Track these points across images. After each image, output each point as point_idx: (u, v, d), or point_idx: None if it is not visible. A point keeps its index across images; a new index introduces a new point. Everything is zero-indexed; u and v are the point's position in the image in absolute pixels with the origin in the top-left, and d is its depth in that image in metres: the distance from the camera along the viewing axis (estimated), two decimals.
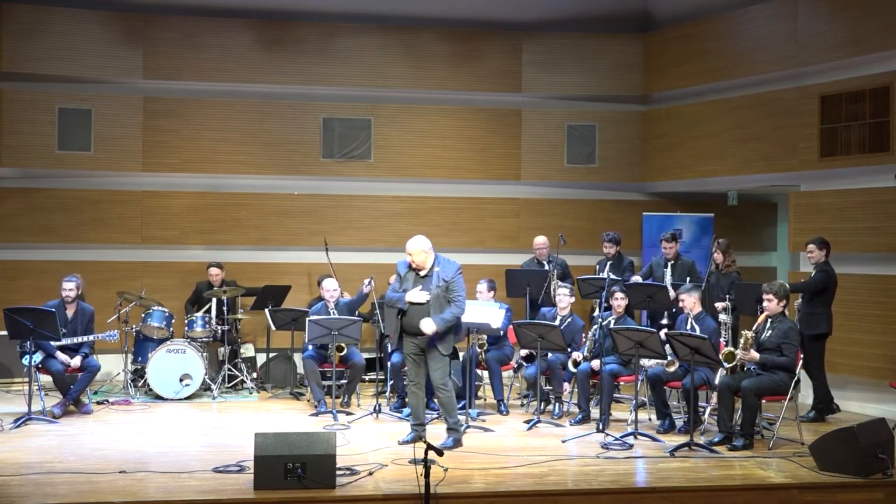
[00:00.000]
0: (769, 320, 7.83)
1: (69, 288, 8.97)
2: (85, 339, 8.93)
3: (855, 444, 6.66)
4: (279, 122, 11.81)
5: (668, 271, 9.93)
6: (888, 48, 9.70)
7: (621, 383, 8.97)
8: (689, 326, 8.28)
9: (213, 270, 10.62)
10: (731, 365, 7.78)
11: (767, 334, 7.77)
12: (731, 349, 7.88)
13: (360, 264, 11.00)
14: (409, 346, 7.47)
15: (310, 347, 9.26)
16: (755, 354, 7.68)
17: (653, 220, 11.86)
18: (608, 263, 10.36)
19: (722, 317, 8.83)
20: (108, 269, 11.25)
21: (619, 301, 8.83)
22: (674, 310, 9.24)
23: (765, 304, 7.85)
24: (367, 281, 9.55)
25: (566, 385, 9.01)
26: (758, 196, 12.09)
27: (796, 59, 10.54)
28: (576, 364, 8.64)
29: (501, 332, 9.21)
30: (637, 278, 10.09)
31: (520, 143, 12.19)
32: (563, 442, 7.80)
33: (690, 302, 8.37)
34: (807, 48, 10.44)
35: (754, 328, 7.85)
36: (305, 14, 11.79)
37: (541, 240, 10.65)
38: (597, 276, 10.11)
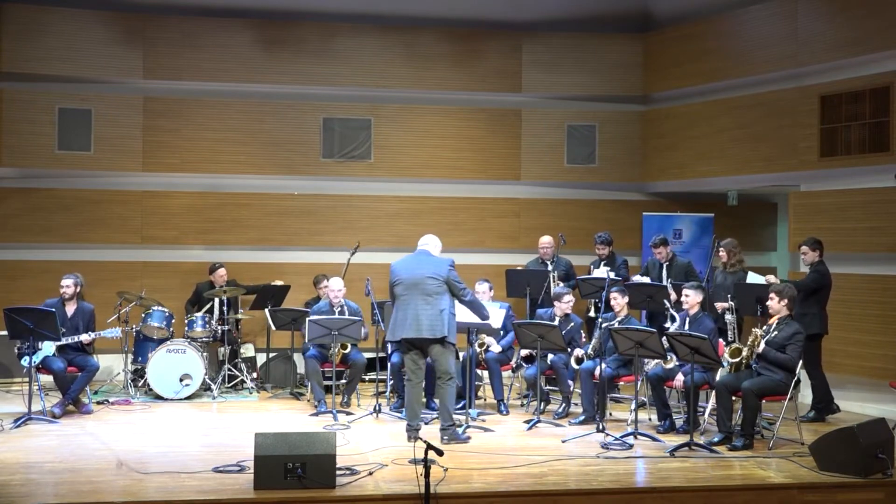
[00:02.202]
0: (776, 322, 7.81)
1: (66, 284, 8.98)
2: (87, 336, 8.93)
3: (855, 444, 6.66)
4: (279, 122, 11.82)
5: (665, 273, 9.93)
6: (888, 48, 9.71)
7: (621, 383, 8.97)
8: (686, 327, 8.27)
9: (222, 272, 10.63)
10: (735, 361, 7.76)
11: (773, 335, 7.76)
12: (739, 345, 7.88)
13: (360, 264, 10.96)
14: None
15: (311, 347, 9.26)
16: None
17: (653, 220, 11.86)
18: (601, 263, 10.37)
19: (728, 317, 8.81)
20: (108, 269, 11.26)
21: (619, 301, 8.80)
22: (672, 311, 9.20)
23: (771, 308, 7.83)
24: (366, 286, 9.43)
25: (570, 383, 8.99)
26: (758, 196, 12.09)
27: (796, 59, 10.55)
28: (578, 361, 8.63)
29: (501, 332, 9.22)
30: (637, 278, 10.09)
31: (520, 143, 12.19)
32: (563, 442, 7.79)
33: (694, 299, 8.34)
34: (807, 48, 10.45)
35: (763, 329, 7.83)
36: (305, 14, 11.80)
37: (546, 239, 10.62)
38: (597, 276, 10.10)
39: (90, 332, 8.97)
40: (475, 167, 12.13)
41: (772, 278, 9.02)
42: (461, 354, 8.83)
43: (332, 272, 10.27)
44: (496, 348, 9.24)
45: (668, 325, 8.53)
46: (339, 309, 9.40)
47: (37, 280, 10.82)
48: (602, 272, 10.01)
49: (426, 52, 12.02)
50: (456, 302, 7.74)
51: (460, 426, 7.98)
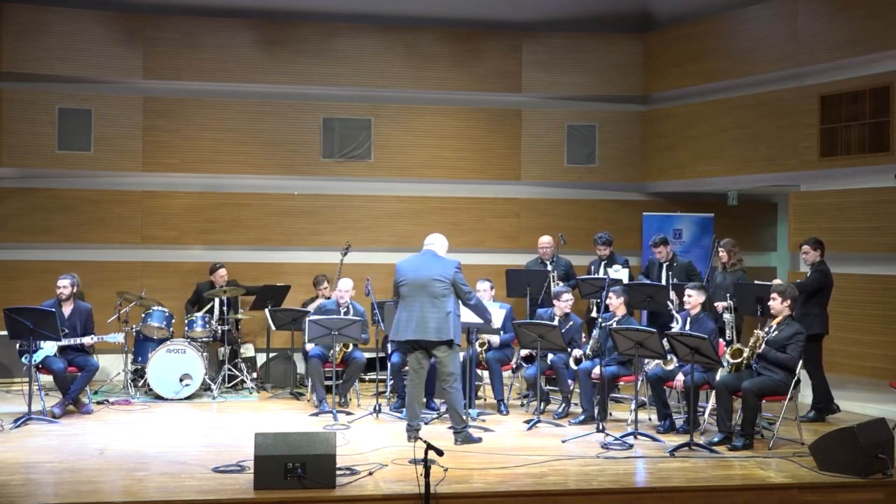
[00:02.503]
0: (778, 322, 7.81)
1: (63, 285, 8.98)
2: (89, 339, 8.93)
3: (855, 444, 6.66)
4: (279, 122, 11.82)
5: (665, 273, 9.91)
6: (888, 48, 9.71)
7: (621, 383, 8.97)
8: (687, 327, 8.26)
9: (222, 272, 10.64)
10: (736, 361, 7.76)
11: (774, 335, 7.75)
12: (740, 346, 7.87)
13: (360, 264, 10.99)
14: None
15: (311, 346, 9.26)
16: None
17: (653, 220, 11.86)
18: (602, 264, 10.37)
19: (726, 316, 8.81)
20: (108, 269, 11.26)
21: (614, 301, 8.77)
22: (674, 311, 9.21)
23: (773, 308, 7.83)
24: (366, 286, 9.45)
25: (570, 383, 8.99)
26: (758, 196, 12.09)
27: (796, 59, 10.55)
28: (577, 361, 8.63)
29: (501, 332, 9.22)
30: (641, 278, 10.09)
31: (520, 143, 12.19)
32: (563, 442, 7.80)
33: (696, 300, 8.34)
34: (807, 48, 10.45)
35: (765, 330, 7.82)
36: (305, 14, 11.80)
37: (545, 239, 10.61)
38: (597, 276, 10.10)
39: (92, 336, 8.97)
40: (475, 167, 12.13)
41: (778, 282, 9.00)
42: (461, 354, 8.82)
43: (332, 272, 10.29)
44: (495, 340, 9.25)
45: (673, 325, 8.53)
46: (345, 309, 9.40)
47: (37, 280, 10.81)
48: (622, 273, 10.00)
49: (426, 52, 12.02)
50: (460, 303, 7.73)
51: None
